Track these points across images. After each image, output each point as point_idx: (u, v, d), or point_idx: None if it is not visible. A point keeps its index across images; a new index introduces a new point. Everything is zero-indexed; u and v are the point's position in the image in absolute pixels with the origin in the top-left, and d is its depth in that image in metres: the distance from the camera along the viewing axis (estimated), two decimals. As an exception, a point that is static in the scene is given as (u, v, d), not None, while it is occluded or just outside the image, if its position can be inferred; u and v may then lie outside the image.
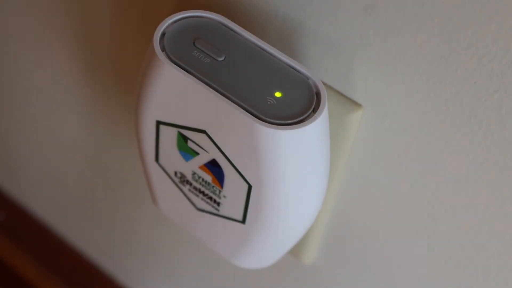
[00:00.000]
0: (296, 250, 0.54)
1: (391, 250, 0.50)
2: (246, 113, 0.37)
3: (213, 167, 0.42)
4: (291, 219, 0.43)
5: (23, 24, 0.66)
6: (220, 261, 0.66)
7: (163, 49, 0.39)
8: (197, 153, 0.43)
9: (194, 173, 0.44)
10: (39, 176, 0.85)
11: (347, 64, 0.42)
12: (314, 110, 0.38)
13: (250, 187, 0.41)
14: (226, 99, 0.38)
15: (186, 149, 0.43)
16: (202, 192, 0.45)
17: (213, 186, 0.44)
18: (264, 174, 0.39)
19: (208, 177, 0.44)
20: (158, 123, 0.43)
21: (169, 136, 0.43)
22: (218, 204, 0.45)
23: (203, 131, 0.41)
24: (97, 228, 0.85)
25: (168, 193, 0.48)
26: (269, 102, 0.38)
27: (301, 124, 0.37)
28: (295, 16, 0.43)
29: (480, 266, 0.45)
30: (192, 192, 0.46)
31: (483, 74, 0.37)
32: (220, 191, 0.44)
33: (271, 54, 0.40)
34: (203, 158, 0.42)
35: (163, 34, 0.39)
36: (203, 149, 0.42)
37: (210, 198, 0.45)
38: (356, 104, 0.43)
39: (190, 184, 0.46)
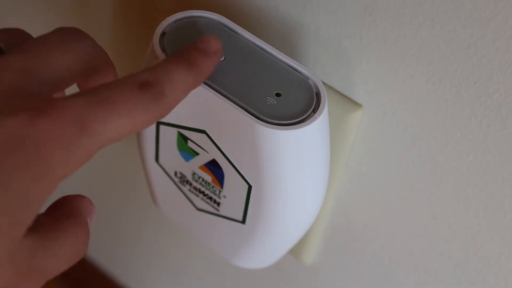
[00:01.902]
0: (296, 250, 0.54)
1: (391, 250, 0.50)
2: (246, 113, 0.37)
3: (213, 167, 0.42)
4: (291, 219, 0.43)
5: (22, 24, 0.66)
6: (220, 261, 0.66)
7: (163, 49, 0.39)
8: (197, 153, 0.43)
9: (194, 173, 0.44)
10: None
11: (347, 64, 0.42)
12: (314, 110, 0.38)
13: (250, 187, 0.41)
14: (226, 99, 0.38)
15: (186, 149, 0.43)
16: (202, 192, 0.45)
17: (213, 186, 0.44)
18: (264, 174, 0.39)
19: (208, 177, 0.44)
20: (158, 123, 0.43)
21: (169, 136, 0.43)
22: (218, 204, 0.45)
23: (203, 131, 0.41)
24: (97, 228, 0.85)
25: (168, 193, 0.48)
26: (269, 102, 0.38)
27: (301, 124, 0.37)
28: (295, 16, 0.43)
29: (480, 266, 0.45)
30: (192, 192, 0.46)
31: (483, 74, 0.37)
32: (220, 191, 0.44)
33: (271, 54, 0.39)
34: (203, 158, 0.42)
35: (163, 34, 0.39)
36: (203, 149, 0.42)
37: (210, 198, 0.45)
38: (356, 104, 0.43)
39: (190, 184, 0.46)
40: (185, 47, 0.35)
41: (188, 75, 0.34)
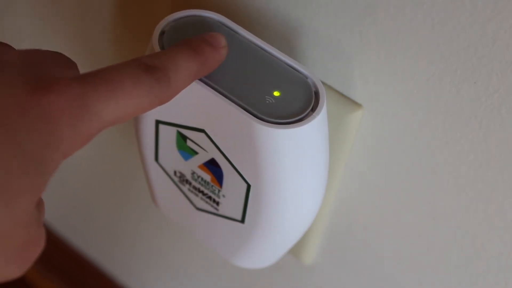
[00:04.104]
0: (296, 250, 0.54)
1: (391, 250, 0.50)
2: (245, 112, 0.37)
3: (212, 166, 0.42)
4: (290, 219, 0.43)
5: (22, 26, 0.66)
6: (220, 261, 0.66)
7: (162, 48, 0.39)
8: (196, 153, 0.43)
9: (193, 173, 0.44)
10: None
11: (347, 64, 0.42)
12: (313, 109, 0.38)
13: (249, 187, 0.41)
14: (225, 98, 0.38)
15: (185, 148, 0.43)
16: (202, 192, 0.45)
17: (212, 186, 0.44)
18: (262, 173, 0.39)
19: (207, 177, 0.44)
20: (158, 122, 0.43)
21: (168, 135, 0.43)
22: (218, 203, 0.45)
23: (202, 130, 0.41)
24: (97, 228, 0.85)
25: (168, 192, 0.48)
26: (267, 101, 0.38)
27: (299, 123, 0.37)
28: (295, 16, 0.43)
29: (480, 266, 0.45)
30: (192, 191, 0.46)
31: (483, 74, 0.37)
32: (219, 191, 0.44)
33: (270, 54, 0.39)
34: (202, 157, 0.42)
35: (163, 33, 0.39)
36: (202, 149, 0.42)
37: (210, 197, 0.45)
38: (356, 104, 0.43)
39: (190, 184, 0.46)
40: (193, 37, 0.36)
41: (194, 63, 0.34)
